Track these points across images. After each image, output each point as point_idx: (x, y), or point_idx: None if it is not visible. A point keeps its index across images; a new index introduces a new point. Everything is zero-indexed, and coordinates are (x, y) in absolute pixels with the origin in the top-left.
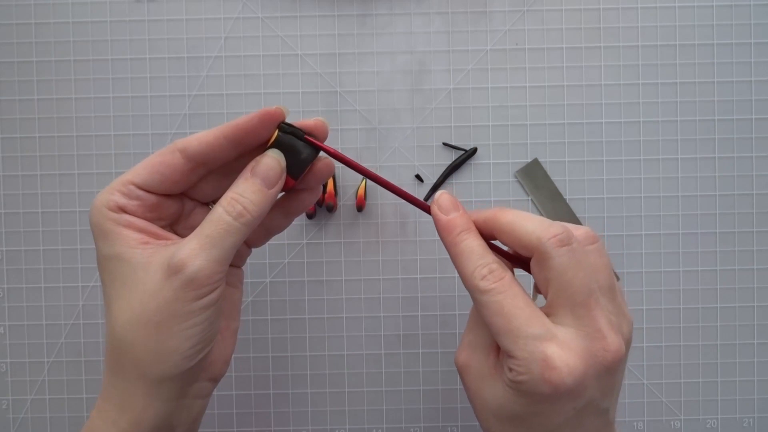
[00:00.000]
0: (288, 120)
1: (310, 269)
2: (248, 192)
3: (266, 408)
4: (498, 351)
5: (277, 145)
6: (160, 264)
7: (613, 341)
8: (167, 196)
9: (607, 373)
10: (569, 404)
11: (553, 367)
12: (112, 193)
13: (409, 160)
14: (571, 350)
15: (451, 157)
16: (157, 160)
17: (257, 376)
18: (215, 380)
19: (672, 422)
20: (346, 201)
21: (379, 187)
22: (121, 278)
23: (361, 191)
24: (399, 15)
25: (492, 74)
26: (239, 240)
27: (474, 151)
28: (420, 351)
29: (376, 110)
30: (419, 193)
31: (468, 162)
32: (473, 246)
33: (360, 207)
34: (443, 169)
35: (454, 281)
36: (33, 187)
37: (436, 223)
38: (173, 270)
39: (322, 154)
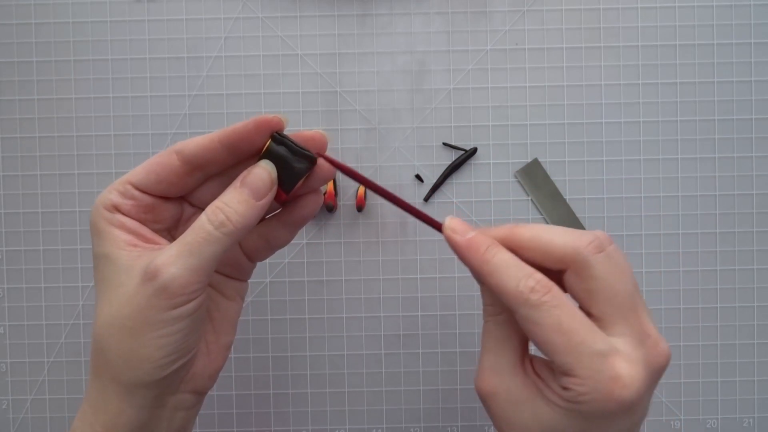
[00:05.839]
0: (288, 123)
1: (310, 269)
2: (234, 202)
3: (266, 408)
4: (523, 370)
5: (269, 155)
6: (140, 268)
7: (663, 344)
8: (165, 198)
9: (658, 379)
10: (628, 419)
11: (623, 384)
12: (110, 192)
13: (409, 160)
14: (635, 362)
15: (451, 157)
16: (155, 161)
17: (257, 376)
18: (199, 393)
19: (672, 422)
20: (346, 201)
21: None
22: (106, 278)
23: (361, 191)
24: (399, 15)
25: (492, 74)
26: (220, 250)
27: (474, 151)
28: (420, 351)
29: (376, 110)
30: (419, 194)
31: (468, 162)
32: (507, 259)
33: (360, 207)
34: (443, 169)
35: (454, 281)
36: (33, 187)
37: (456, 246)
38: (148, 276)
39: (320, 160)
